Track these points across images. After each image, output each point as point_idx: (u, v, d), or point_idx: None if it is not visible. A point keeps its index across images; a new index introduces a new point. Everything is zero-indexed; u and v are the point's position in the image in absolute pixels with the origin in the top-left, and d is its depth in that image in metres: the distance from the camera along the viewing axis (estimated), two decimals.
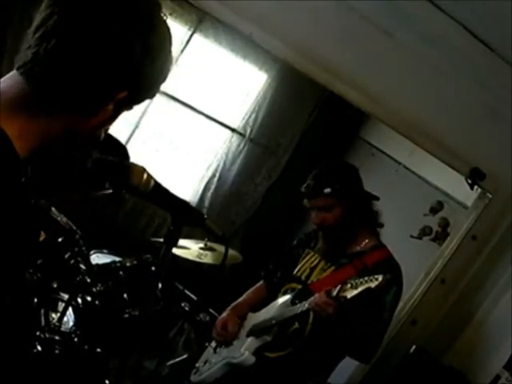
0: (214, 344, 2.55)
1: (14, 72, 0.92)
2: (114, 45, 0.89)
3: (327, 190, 2.21)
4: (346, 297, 1.96)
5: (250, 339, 2.34)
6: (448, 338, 3.17)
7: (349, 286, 1.98)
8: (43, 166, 0.98)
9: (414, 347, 3.05)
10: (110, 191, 1.34)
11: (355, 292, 1.95)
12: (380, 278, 1.93)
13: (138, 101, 1.00)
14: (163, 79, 1.02)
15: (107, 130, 1.03)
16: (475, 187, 2.97)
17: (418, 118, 2.86)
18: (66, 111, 0.92)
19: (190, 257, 3.09)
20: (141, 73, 0.94)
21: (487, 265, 3.11)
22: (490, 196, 3.02)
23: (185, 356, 3.10)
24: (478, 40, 2.69)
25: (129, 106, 1.01)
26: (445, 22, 2.63)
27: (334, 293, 2.00)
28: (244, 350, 2.30)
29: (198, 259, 3.09)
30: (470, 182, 2.94)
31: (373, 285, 1.92)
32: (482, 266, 3.11)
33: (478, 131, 2.95)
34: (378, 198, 2.36)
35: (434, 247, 3.60)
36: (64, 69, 0.89)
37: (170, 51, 0.99)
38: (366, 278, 1.96)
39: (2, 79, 0.92)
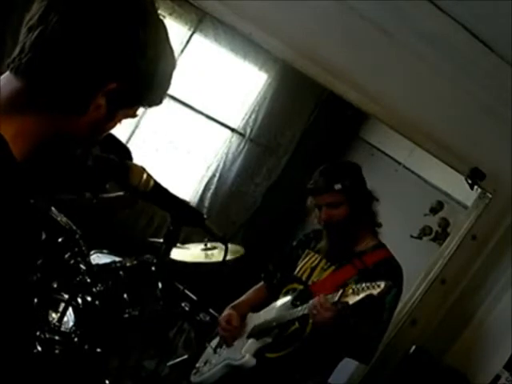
0: (213, 344, 2.55)
1: (7, 73, 0.91)
2: (100, 34, 0.88)
3: (338, 186, 2.20)
4: (347, 303, 1.95)
5: (250, 341, 2.33)
6: (448, 338, 3.17)
7: (350, 291, 1.96)
8: (42, 167, 0.98)
9: (413, 347, 3.06)
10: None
11: (357, 298, 1.93)
12: (382, 285, 1.91)
13: (134, 98, 0.98)
14: (163, 80, 1.00)
15: (107, 131, 1.01)
16: (475, 187, 2.97)
17: (418, 118, 2.87)
18: (56, 105, 0.91)
19: (198, 260, 3.07)
20: (130, 64, 0.92)
21: (487, 265, 3.12)
22: (490, 196, 3.02)
23: (185, 356, 3.10)
24: (478, 40, 2.69)
25: (128, 109, 0.99)
26: (445, 21, 2.63)
27: (336, 298, 1.99)
28: (245, 352, 2.29)
29: (206, 260, 3.06)
30: (470, 181, 2.94)
31: (375, 292, 1.91)
32: (481, 266, 3.12)
33: (478, 131, 2.95)
34: (377, 200, 2.37)
35: (434, 247, 3.60)
36: (47, 57, 0.88)
37: (166, 50, 0.97)
38: (368, 284, 1.94)
39: None
